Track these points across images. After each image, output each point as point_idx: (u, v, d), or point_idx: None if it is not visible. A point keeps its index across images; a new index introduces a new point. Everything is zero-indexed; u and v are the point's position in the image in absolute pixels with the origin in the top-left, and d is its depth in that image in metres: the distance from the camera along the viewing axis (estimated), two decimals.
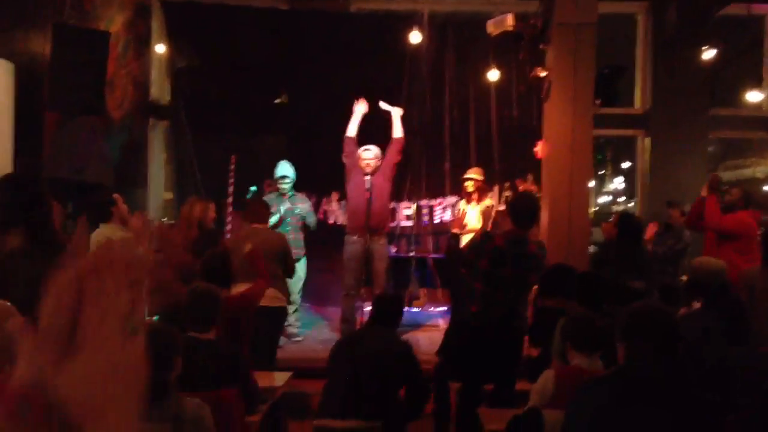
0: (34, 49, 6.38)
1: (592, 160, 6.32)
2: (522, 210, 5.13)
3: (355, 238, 7.14)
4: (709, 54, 7.86)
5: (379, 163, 7.18)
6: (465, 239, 7.61)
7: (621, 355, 2.58)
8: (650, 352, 2.48)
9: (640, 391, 2.50)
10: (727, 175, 13.06)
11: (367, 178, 7.04)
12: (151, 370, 2.73)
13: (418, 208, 9.18)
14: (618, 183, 22.08)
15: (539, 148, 6.50)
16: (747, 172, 13.25)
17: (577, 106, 5.73)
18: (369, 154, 7.16)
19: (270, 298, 5.22)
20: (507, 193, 8.87)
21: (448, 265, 7.25)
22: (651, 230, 7.22)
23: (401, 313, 4.54)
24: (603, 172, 21.19)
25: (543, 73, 5.97)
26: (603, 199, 21.99)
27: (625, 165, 18.72)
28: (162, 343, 2.71)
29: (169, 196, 9.78)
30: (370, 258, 7.14)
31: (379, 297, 4.67)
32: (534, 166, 8.78)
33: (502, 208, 8.75)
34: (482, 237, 5.86)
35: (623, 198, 21.35)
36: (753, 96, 9.25)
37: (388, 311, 4.38)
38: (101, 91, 6.33)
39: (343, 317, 7.27)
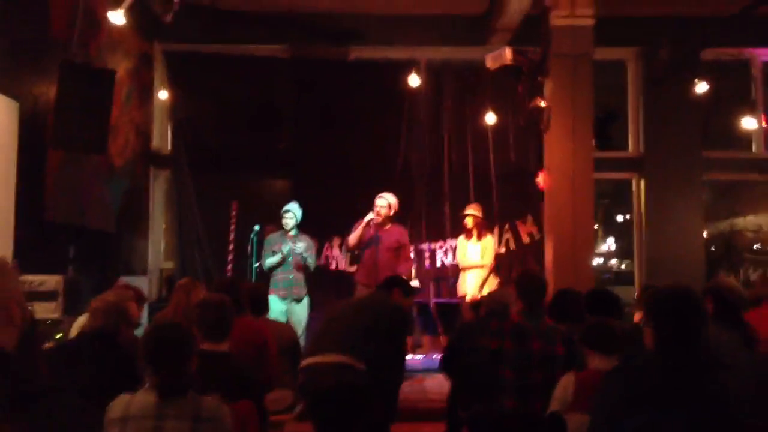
0: (39, 90, 6.45)
1: (594, 188, 6.37)
2: (529, 287, 4.50)
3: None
4: (701, 88, 7.99)
5: (390, 213, 7.22)
6: (468, 276, 7.62)
7: (647, 340, 2.58)
8: (677, 334, 2.48)
9: (668, 377, 2.48)
10: (721, 226, 13.20)
11: (368, 218, 7.08)
12: (168, 366, 2.72)
13: (419, 252, 9.18)
14: (610, 243, 22.15)
15: (541, 179, 6.57)
16: (739, 223, 13.38)
17: (576, 134, 5.83)
18: (382, 201, 7.22)
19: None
20: (507, 236, 8.91)
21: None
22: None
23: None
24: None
25: (542, 104, 6.08)
26: (595, 261, 21.97)
27: (619, 218, 18.83)
28: (178, 342, 2.68)
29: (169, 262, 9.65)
30: None
31: None
32: (532, 207, 8.90)
33: (503, 250, 8.79)
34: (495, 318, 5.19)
35: (615, 260, 21.36)
36: (747, 122, 9.31)
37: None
38: (105, 130, 6.39)
39: None
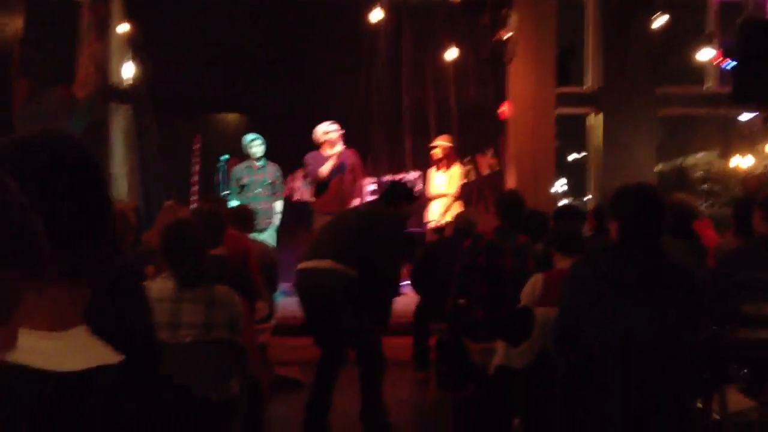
0: (2, 21, 6.40)
1: (555, 118, 6.63)
2: (508, 205, 4.76)
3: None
4: (657, 23, 8.23)
5: (341, 139, 7.41)
6: (433, 204, 7.88)
7: (613, 233, 2.83)
8: (640, 227, 2.73)
9: (627, 270, 2.74)
10: (673, 162, 13.69)
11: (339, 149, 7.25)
12: (186, 258, 2.93)
13: (381, 185, 9.37)
14: (561, 183, 22.56)
15: (504, 109, 6.78)
16: (690, 159, 13.88)
17: (539, 65, 6.03)
18: (333, 127, 7.40)
19: None
20: (468, 167, 9.13)
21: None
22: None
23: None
24: None
25: (507, 36, 6.26)
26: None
27: (570, 157, 19.19)
28: (193, 235, 2.89)
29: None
30: None
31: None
32: (493, 140, 9.15)
33: (465, 181, 9.05)
34: (469, 238, 5.16)
35: (567, 200, 21.78)
36: (701, 55, 9.44)
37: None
38: (72, 60, 6.38)
39: None
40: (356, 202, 9.17)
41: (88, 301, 1.04)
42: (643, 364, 2.60)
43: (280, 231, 8.28)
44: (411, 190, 4.91)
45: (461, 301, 4.70)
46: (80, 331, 1.00)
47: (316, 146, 7.60)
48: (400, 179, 9.09)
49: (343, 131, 7.45)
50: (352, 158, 7.50)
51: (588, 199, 10.51)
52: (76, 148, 1.06)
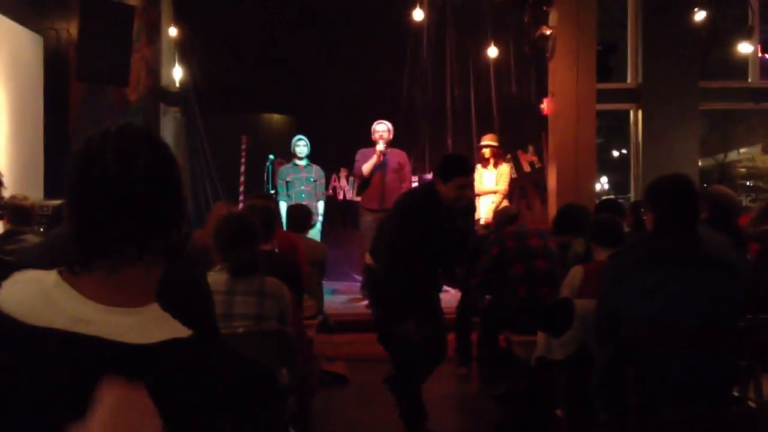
0: (60, 25, 6.67)
1: (596, 113, 6.66)
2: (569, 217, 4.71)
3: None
4: (699, 18, 8.19)
5: (390, 137, 7.50)
6: (482, 200, 7.97)
7: (649, 224, 2.90)
8: (674, 218, 2.79)
9: (664, 256, 2.80)
10: (716, 157, 13.49)
11: (380, 148, 7.34)
12: (242, 248, 3.07)
13: (423, 182, 9.47)
14: (603, 182, 22.40)
15: (545, 105, 6.84)
16: (733, 154, 13.67)
17: (580, 61, 6.09)
18: (382, 126, 7.49)
19: None
20: (510, 164, 9.20)
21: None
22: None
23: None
24: None
25: (548, 32, 6.32)
26: None
27: (614, 154, 19.06)
28: (247, 229, 3.04)
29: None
30: None
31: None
32: (533, 137, 9.22)
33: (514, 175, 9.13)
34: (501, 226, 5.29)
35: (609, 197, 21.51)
36: (743, 48, 9.32)
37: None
38: (127, 63, 6.62)
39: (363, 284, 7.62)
40: None
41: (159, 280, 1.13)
42: (680, 350, 2.67)
43: (325, 230, 8.45)
44: (463, 159, 4.16)
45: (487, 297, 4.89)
46: (154, 308, 1.11)
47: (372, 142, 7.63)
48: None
49: (390, 131, 7.51)
50: (399, 158, 7.57)
51: (629, 196, 10.47)
52: (161, 139, 1.17)
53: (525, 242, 4.77)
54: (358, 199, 8.21)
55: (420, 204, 4.04)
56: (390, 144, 7.55)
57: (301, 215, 5.43)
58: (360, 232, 7.75)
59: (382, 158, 7.32)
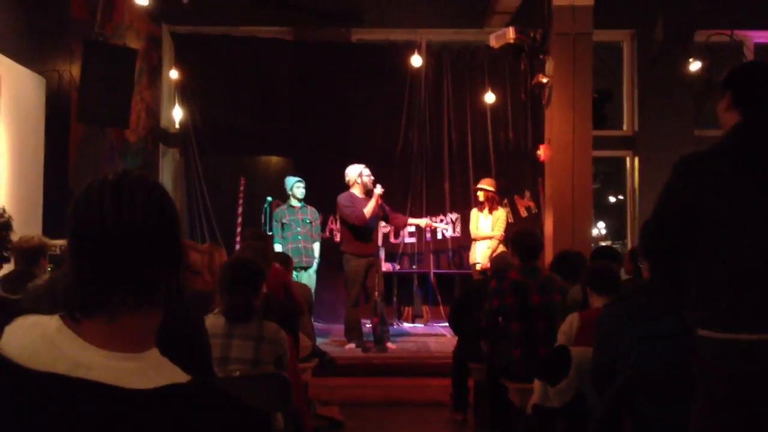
0: (62, 67, 6.76)
1: (592, 160, 6.72)
2: (524, 244, 4.84)
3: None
4: (694, 68, 8.32)
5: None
6: (478, 245, 7.98)
7: (645, 273, 2.92)
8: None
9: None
10: None
11: (379, 192, 7.30)
12: (237, 294, 3.08)
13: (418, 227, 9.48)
14: (601, 228, 22.49)
15: (542, 152, 6.91)
16: None
17: (576, 108, 6.17)
18: (367, 171, 7.50)
19: None
20: (506, 209, 9.24)
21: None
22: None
23: None
24: None
25: (545, 80, 6.42)
26: None
27: (611, 199, 19.17)
28: (251, 274, 3.05)
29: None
30: (371, 270, 7.35)
31: None
32: (530, 183, 9.29)
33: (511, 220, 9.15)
34: (495, 278, 5.14)
35: (606, 243, 21.63)
36: None
37: None
38: (128, 105, 6.69)
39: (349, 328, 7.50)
40: (397, 241, 9.39)
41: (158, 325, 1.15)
42: (678, 400, 2.66)
43: (323, 272, 8.46)
44: None
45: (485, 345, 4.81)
46: (154, 353, 1.12)
47: (347, 187, 7.55)
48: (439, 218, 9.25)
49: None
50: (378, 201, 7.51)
51: (626, 242, 10.51)
52: (160, 186, 1.19)
53: (526, 299, 4.58)
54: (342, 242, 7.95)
55: None
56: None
57: (284, 258, 5.55)
58: (345, 276, 7.55)
59: (381, 201, 7.32)
